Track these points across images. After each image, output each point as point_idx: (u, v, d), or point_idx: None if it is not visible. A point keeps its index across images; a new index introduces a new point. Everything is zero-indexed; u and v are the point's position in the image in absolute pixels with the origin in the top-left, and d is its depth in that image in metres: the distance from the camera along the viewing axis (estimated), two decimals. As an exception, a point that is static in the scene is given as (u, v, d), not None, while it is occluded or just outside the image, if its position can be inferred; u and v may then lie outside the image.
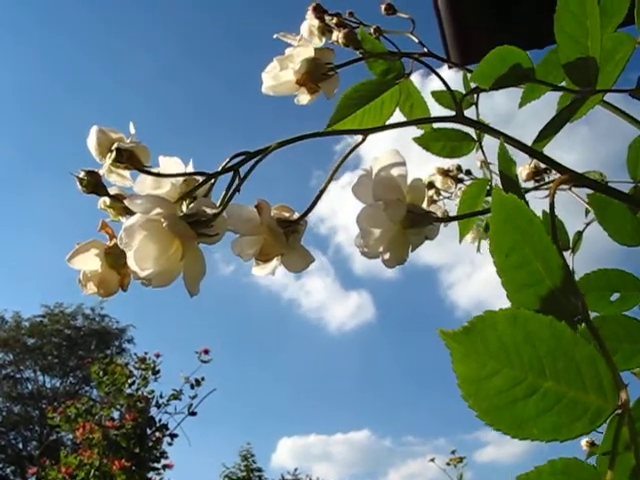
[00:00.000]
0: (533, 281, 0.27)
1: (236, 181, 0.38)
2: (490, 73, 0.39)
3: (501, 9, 0.82)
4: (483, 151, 0.75)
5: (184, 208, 0.38)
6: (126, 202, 0.35)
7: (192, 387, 5.05)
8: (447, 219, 0.35)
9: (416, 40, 0.61)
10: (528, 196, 0.40)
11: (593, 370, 0.24)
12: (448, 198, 1.24)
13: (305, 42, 0.40)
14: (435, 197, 1.26)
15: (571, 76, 0.37)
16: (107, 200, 0.40)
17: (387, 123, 0.51)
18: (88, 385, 11.64)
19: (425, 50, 0.60)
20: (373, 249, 0.34)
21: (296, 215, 0.41)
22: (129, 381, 4.84)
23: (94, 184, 0.38)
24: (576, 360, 0.24)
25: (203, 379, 5.12)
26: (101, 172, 0.39)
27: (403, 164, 0.34)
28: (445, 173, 1.24)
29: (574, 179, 0.33)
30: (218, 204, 0.37)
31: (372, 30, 0.60)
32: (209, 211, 0.36)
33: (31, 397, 12.22)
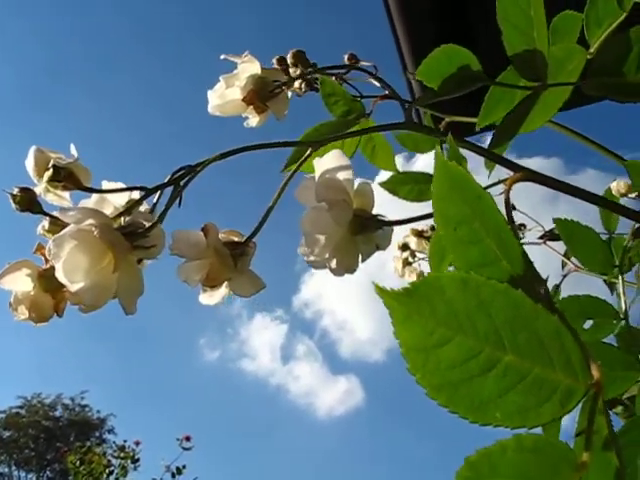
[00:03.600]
0: (487, 261, 0.24)
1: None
2: (435, 69, 0.38)
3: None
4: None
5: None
6: (57, 214, 0.33)
7: (173, 476, 4.85)
8: (403, 222, 0.33)
9: (378, 84, 0.61)
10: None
11: (558, 345, 0.21)
12: (423, 259, 1.22)
13: (250, 59, 0.39)
14: (410, 259, 1.24)
15: (519, 69, 0.36)
16: (46, 225, 0.38)
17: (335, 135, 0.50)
18: (66, 479, 11.10)
19: (387, 92, 0.59)
20: (319, 256, 0.32)
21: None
22: (107, 471, 4.64)
23: (28, 201, 0.36)
24: (539, 333, 0.21)
25: (184, 467, 4.93)
26: (37, 191, 0.37)
27: (348, 167, 0.32)
28: (419, 234, 1.22)
29: (528, 176, 0.31)
30: (157, 218, 0.35)
31: (333, 78, 0.60)
32: (146, 223, 0.34)
33: (4, 494, 11.62)
